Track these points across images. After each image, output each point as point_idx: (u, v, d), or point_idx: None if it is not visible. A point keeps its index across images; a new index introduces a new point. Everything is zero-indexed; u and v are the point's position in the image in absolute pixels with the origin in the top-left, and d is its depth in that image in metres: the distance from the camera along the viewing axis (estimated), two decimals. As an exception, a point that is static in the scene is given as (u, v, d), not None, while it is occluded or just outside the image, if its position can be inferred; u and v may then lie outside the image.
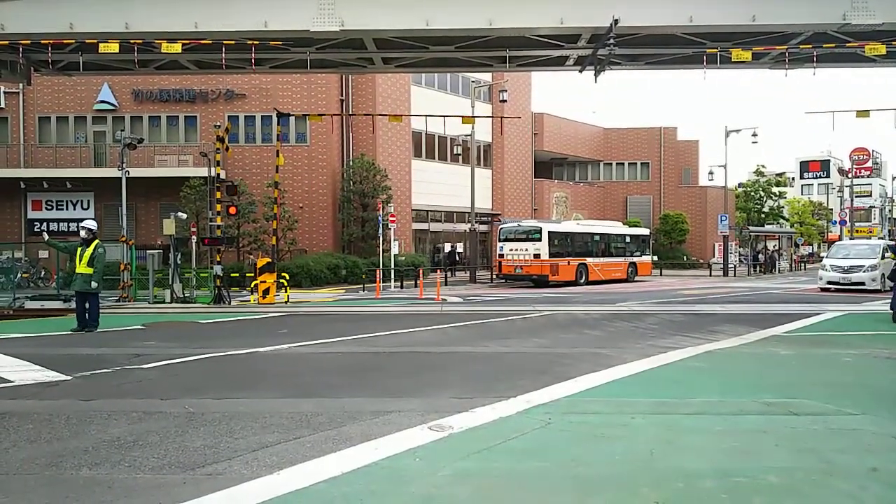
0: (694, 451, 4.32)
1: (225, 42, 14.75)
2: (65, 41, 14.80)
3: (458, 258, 34.28)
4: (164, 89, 28.06)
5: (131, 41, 14.59)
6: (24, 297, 16.91)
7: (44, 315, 14.76)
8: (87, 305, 11.37)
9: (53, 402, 5.85)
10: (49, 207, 28.41)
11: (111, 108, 28.26)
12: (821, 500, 3.48)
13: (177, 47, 14.35)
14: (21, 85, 25.84)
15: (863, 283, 20.77)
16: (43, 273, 24.81)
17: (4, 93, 28.13)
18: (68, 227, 28.17)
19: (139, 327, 11.98)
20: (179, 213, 19.69)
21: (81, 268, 11.31)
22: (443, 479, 3.78)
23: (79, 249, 11.43)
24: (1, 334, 10.73)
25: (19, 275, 20.98)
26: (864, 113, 17.47)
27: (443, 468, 3.94)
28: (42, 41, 14.71)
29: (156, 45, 14.84)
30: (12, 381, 6.72)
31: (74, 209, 28.35)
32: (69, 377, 6.89)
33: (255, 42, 14.91)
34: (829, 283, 21.64)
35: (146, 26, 14.09)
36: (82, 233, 11.54)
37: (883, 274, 21.14)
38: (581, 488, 3.64)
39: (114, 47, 14.31)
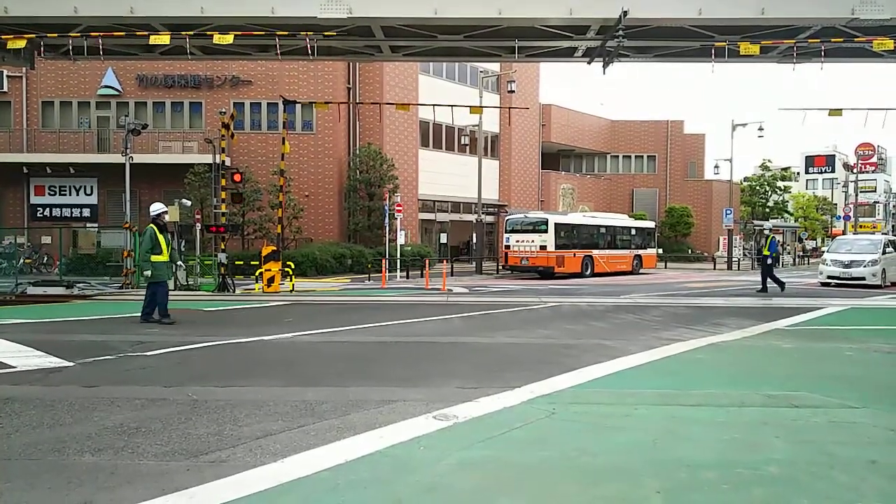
0: (696, 441, 4.32)
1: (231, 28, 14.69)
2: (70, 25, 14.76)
3: (467, 249, 34.28)
4: (168, 75, 27.99)
5: (135, 27, 14.56)
6: (26, 283, 16.96)
7: (46, 301, 14.79)
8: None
9: (56, 388, 5.87)
10: (52, 193, 28.45)
11: (115, 93, 28.23)
12: (821, 491, 3.47)
13: (229, 38, 14.06)
14: (24, 69, 25.77)
15: (863, 279, 20.67)
16: (45, 259, 24.88)
17: (7, 77, 28.09)
18: (70, 212, 28.25)
19: (143, 314, 11.98)
20: (184, 200, 19.70)
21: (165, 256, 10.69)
22: (447, 467, 3.79)
23: (161, 237, 10.67)
24: (3, 320, 10.76)
25: (21, 260, 21.05)
26: (836, 112, 17.40)
27: (447, 457, 3.95)
28: (45, 24, 14.67)
29: (159, 30, 14.80)
30: (15, 367, 6.74)
31: (78, 195, 28.39)
32: (72, 363, 6.90)
33: (262, 28, 14.85)
34: (829, 277, 21.54)
35: (151, 10, 14.01)
36: (167, 216, 11.01)
37: (884, 269, 21.08)
38: (585, 478, 3.65)
39: (164, 39, 14.21)
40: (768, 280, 17.83)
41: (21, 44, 14.58)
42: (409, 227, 30.48)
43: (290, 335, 9.17)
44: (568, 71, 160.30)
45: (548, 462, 3.91)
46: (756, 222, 39.87)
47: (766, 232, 18.75)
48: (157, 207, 10.98)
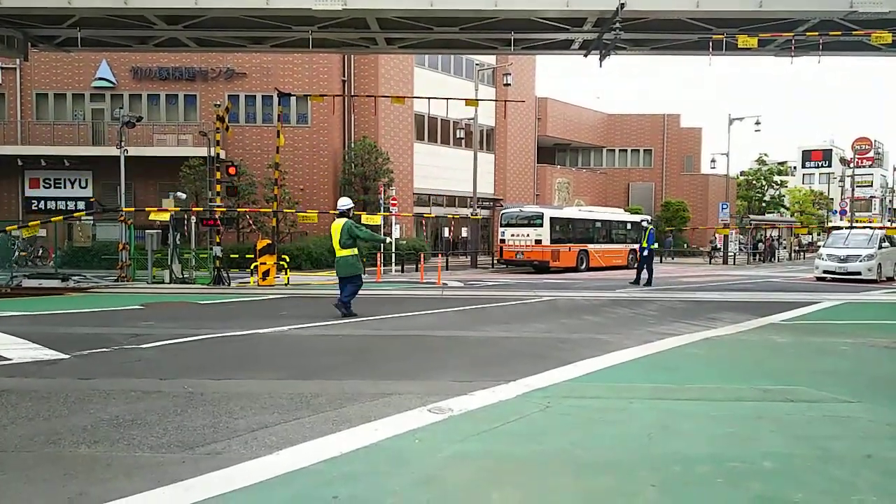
0: (691, 436, 4.33)
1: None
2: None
3: (462, 243, 34.24)
4: (163, 67, 27.85)
5: (129, 19, 14.46)
6: (21, 276, 16.89)
7: (41, 294, 14.75)
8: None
9: (52, 380, 5.85)
10: (47, 185, 28.32)
11: (110, 85, 28.05)
12: (815, 485, 3.48)
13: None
14: (18, 60, 25.61)
15: (859, 273, 20.72)
16: (41, 252, 24.74)
17: (1, 68, 27.90)
18: (66, 205, 28.10)
19: (138, 307, 11.97)
20: (179, 193, 19.62)
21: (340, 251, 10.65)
22: (442, 460, 3.79)
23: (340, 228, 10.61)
24: None
25: (17, 253, 20.94)
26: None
27: (442, 450, 3.95)
28: (39, 15, 14.59)
29: (154, 21, 14.71)
30: (10, 359, 6.72)
31: (72, 187, 28.27)
32: (67, 356, 6.89)
33: (257, 20, 14.76)
34: (825, 272, 21.58)
35: (145, 2, 13.93)
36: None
37: (879, 264, 21.16)
38: (579, 471, 3.65)
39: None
40: (644, 271, 18.35)
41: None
42: (404, 220, 30.44)
43: (286, 328, 9.16)
44: (564, 64, 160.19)
45: (542, 455, 3.92)
46: (752, 217, 39.98)
47: (644, 224, 19.10)
48: (346, 202, 11.11)
